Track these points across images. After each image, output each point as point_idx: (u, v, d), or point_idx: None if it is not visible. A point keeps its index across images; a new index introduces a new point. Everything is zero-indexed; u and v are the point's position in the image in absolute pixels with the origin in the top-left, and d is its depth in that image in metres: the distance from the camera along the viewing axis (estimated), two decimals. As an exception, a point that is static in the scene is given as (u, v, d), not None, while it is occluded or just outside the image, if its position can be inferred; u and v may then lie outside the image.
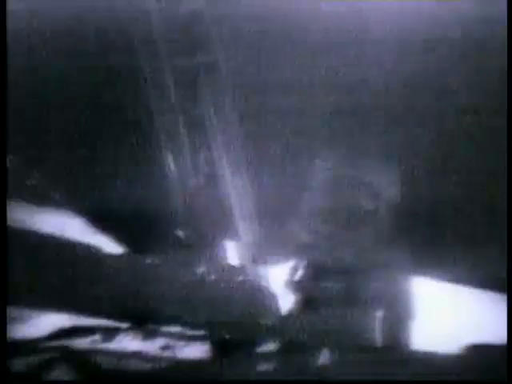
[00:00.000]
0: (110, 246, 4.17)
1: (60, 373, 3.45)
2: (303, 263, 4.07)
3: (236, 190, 4.26)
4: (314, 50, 4.15)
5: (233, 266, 4.20)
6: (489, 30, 3.97)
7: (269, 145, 4.23)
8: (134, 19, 4.20)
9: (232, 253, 4.27)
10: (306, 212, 4.11)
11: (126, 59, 4.23)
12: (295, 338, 3.82)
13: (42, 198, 4.26)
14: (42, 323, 3.75)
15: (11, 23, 3.94)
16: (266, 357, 3.65)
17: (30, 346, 3.62)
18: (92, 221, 4.27)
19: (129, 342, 3.70)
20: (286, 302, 4.02)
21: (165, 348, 3.71)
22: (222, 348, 3.74)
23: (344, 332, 3.88)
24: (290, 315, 3.98)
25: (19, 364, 3.44)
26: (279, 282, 4.09)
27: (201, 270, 4.01)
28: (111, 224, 4.25)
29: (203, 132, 4.29)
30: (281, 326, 3.90)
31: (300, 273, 4.07)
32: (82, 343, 3.68)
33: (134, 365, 3.56)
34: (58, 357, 3.52)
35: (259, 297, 4.00)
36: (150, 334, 3.74)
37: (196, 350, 3.72)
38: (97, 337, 3.72)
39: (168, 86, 4.28)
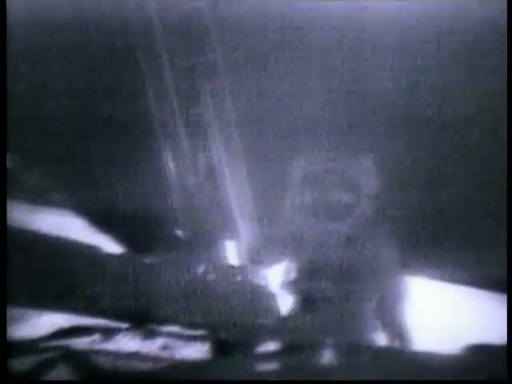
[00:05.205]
0: (110, 246, 4.17)
1: (60, 373, 3.44)
2: (302, 263, 4.06)
3: (235, 189, 4.26)
4: (314, 51, 4.15)
5: (232, 266, 4.20)
6: (489, 31, 3.97)
7: (268, 145, 4.24)
8: (133, 19, 4.20)
9: (231, 253, 4.27)
10: (304, 211, 4.10)
11: (125, 59, 4.24)
12: (295, 338, 3.81)
13: (41, 198, 4.27)
14: (42, 323, 3.75)
15: (11, 23, 3.94)
16: (266, 357, 3.64)
17: (30, 346, 3.61)
18: (92, 221, 4.28)
19: (128, 342, 3.70)
20: (286, 302, 4.02)
21: (164, 348, 3.70)
22: (221, 348, 3.73)
23: (344, 332, 3.87)
24: (289, 315, 3.98)
25: (19, 364, 3.43)
26: (279, 281, 4.08)
27: (200, 270, 4.01)
28: (111, 224, 4.25)
29: (203, 132, 4.29)
30: (280, 326, 3.90)
31: (299, 272, 4.07)
32: (81, 343, 3.68)
33: (134, 365, 3.55)
34: (57, 357, 3.51)
35: (259, 297, 4.00)
36: (149, 334, 3.74)
37: (195, 350, 3.72)
38: (96, 337, 3.71)
39: (168, 86, 4.28)
